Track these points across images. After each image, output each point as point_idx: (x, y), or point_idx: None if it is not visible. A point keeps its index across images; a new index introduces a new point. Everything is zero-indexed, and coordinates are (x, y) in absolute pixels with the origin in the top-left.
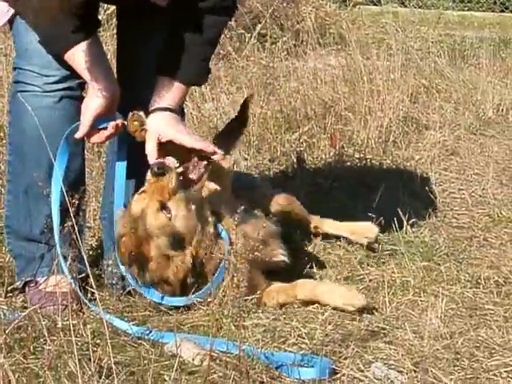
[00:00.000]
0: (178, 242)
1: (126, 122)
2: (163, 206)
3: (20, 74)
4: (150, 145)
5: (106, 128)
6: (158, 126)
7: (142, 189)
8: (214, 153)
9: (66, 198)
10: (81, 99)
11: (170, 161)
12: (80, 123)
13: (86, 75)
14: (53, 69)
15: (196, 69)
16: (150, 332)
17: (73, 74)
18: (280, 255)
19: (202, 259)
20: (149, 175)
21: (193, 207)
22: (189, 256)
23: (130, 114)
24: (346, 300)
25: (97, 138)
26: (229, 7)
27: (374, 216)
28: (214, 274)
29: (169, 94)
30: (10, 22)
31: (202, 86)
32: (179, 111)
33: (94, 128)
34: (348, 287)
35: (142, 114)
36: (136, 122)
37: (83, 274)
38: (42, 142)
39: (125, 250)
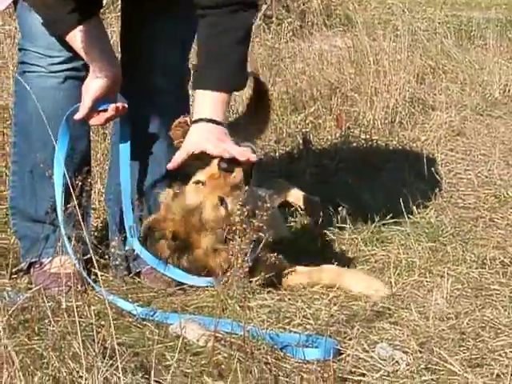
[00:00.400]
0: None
1: (126, 105)
2: (222, 201)
3: (25, 54)
4: (179, 154)
5: (106, 110)
6: (197, 139)
7: (196, 178)
8: (249, 160)
9: (69, 180)
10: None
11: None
12: (80, 104)
13: (86, 57)
14: (57, 50)
15: (232, 74)
16: (155, 313)
17: (77, 54)
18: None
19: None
20: (211, 168)
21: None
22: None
23: (176, 121)
24: (372, 288)
25: (96, 120)
26: (244, 3)
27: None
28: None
29: (211, 105)
30: (15, 3)
31: None
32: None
33: (94, 110)
34: (372, 277)
35: (188, 120)
36: (179, 132)
37: (88, 256)
38: (46, 123)
39: (167, 234)
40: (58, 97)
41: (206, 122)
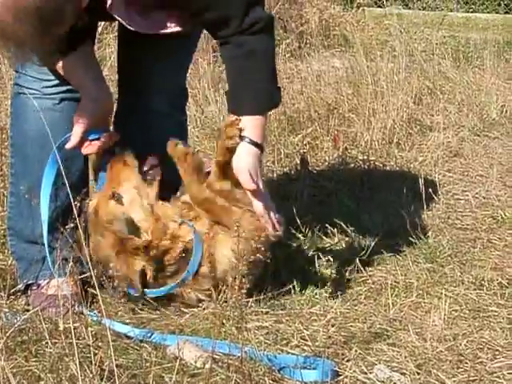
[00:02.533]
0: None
1: (118, 135)
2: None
3: (20, 77)
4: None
5: (98, 139)
6: (241, 165)
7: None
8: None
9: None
10: None
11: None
12: (71, 134)
13: (74, 84)
14: (50, 73)
15: (265, 97)
16: (152, 334)
17: None
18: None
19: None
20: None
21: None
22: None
23: (234, 118)
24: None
25: (89, 149)
26: (262, 26)
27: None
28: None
29: (252, 128)
30: None
31: (206, 89)
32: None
33: (85, 138)
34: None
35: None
36: (236, 130)
37: (85, 275)
38: (43, 144)
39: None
40: (55, 118)
41: (251, 144)
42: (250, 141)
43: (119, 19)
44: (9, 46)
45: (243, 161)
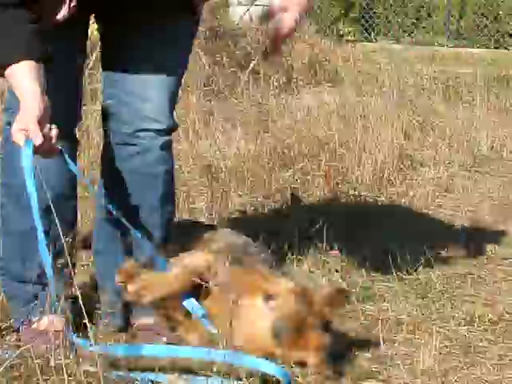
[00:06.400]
0: None
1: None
2: None
3: (12, 116)
4: None
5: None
6: None
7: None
8: None
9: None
10: (76, 140)
11: None
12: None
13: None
14: None
15: None
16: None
17: (68, 119)
18: None
19: None
20: None
21: None
22: None
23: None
24: None
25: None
26: None
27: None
28: None
29: None
30: None
31: (197, 123)
32: None
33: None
34: None
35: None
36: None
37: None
38: (39, 185)
39: None
40: (50, 159)
41: None
42: None
43: None
44: None
45: None
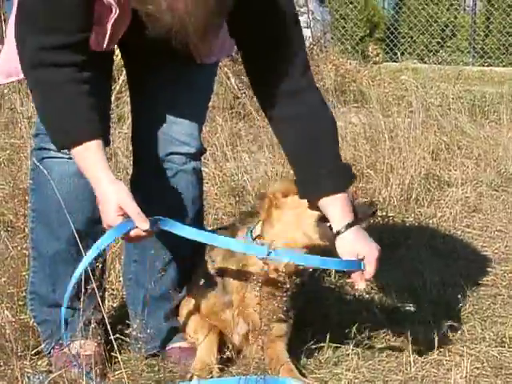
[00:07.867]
0: None
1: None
2: None
3: (43, 140)
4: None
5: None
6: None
7: None
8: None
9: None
10: None
11: None
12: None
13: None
14: None
15: (337, 173)
16: None
17: None
18: None
19: None
20: None
21: None
22: None
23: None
24: None
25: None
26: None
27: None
28: None
29: (336, 211)
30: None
31: (224, 145)
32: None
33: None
34: None
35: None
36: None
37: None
38: (69, 210)
39: None
40: (78, 183)
41: (353, 227)
42: (350, 224)
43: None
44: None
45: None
